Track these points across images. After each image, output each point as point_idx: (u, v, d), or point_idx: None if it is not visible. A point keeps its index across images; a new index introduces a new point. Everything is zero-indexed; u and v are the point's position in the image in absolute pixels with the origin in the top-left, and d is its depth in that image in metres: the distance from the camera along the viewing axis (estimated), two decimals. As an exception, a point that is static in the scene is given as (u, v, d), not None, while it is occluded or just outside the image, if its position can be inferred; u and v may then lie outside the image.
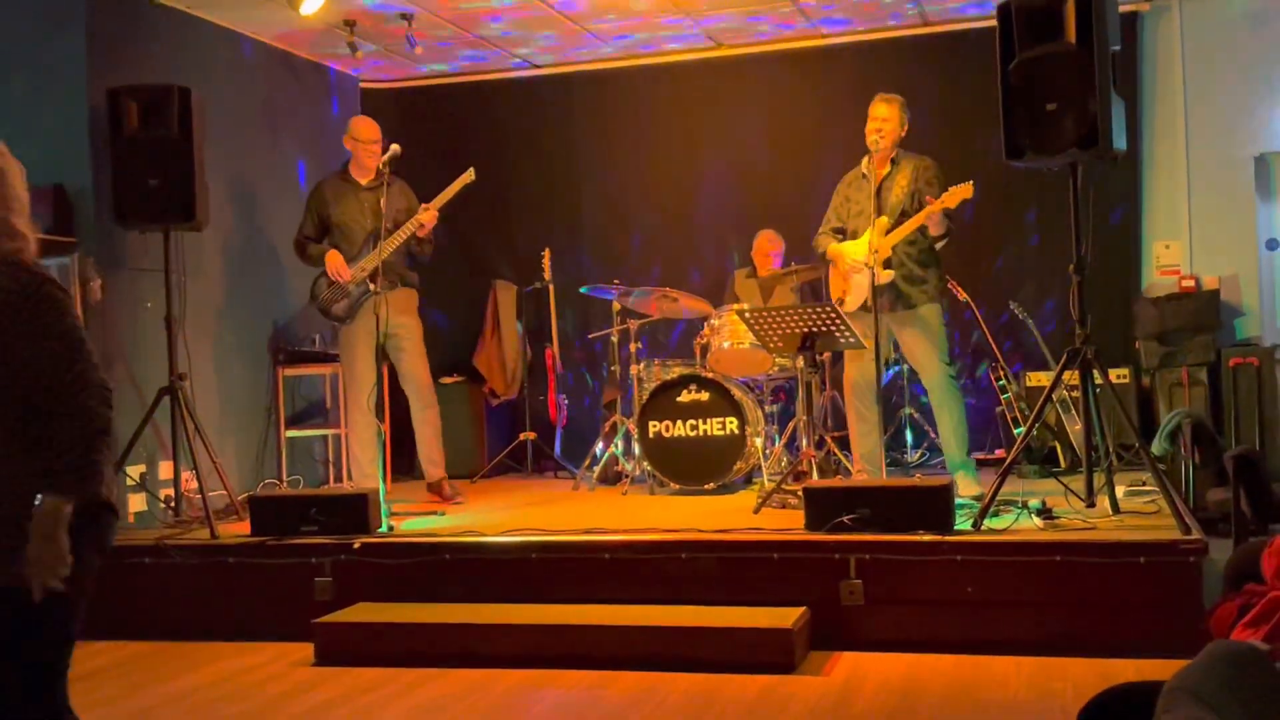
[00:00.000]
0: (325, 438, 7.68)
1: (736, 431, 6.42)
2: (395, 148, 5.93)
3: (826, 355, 6.71)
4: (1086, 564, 4.49)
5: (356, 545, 5.22)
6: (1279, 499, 4.64)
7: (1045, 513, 4.94)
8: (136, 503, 6.14)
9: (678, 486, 6.48)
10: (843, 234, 5.99)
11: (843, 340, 5.61)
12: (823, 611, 4.67)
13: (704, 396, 6.48)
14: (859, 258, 5.70)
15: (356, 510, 5.37)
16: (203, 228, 6.10)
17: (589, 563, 5.01)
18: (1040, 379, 7.12)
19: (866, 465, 5.87)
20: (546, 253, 7.72)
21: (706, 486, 6.43)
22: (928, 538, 4.67)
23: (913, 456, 7.27)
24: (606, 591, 4.94)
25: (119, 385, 6.08)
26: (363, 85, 8.52)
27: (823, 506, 4.87)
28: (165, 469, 6.23)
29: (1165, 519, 4.73)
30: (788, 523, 5.11)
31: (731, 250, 8.01)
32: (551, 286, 7.76)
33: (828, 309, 5.51)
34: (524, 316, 8.22)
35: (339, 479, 7.42)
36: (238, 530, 5.64)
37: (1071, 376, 5.19)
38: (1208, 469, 5.16)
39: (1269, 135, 7.28)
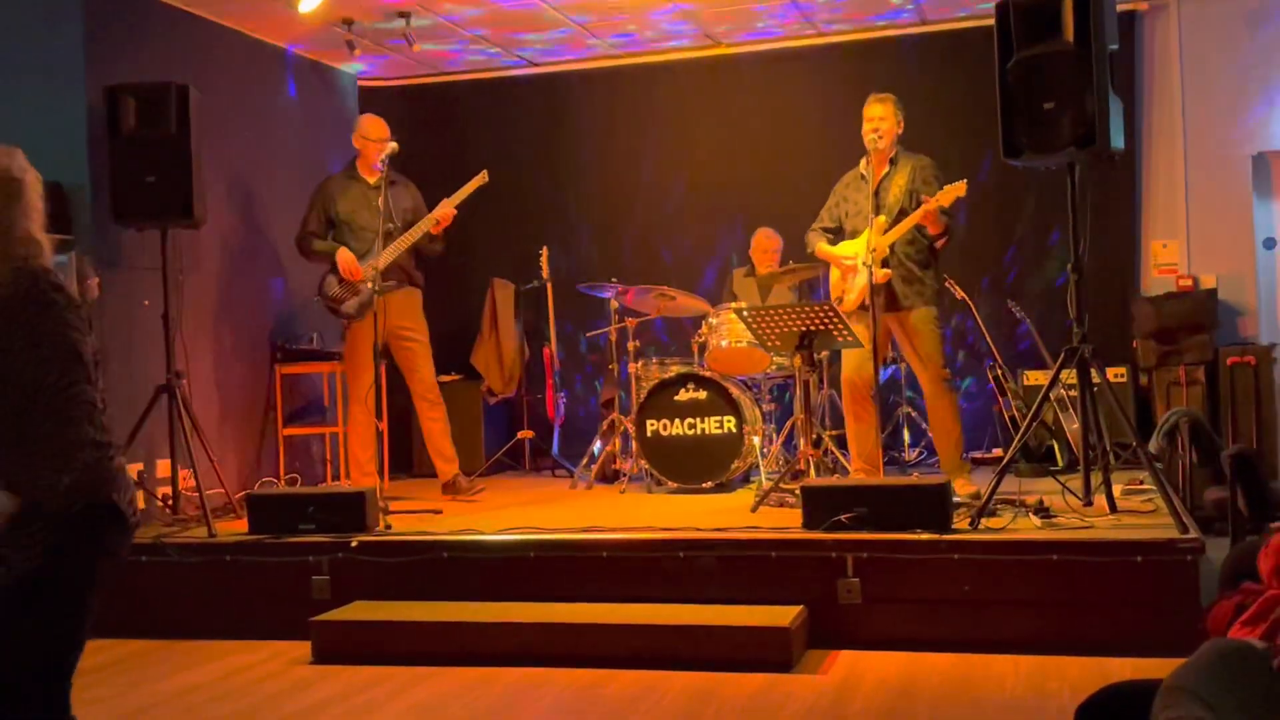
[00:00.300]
0: (323, 436, 7.67)
1: (734, 430, 6.42)
2: (393, 145, 5.94)
3: (824, 354, 6.71)
4: (1084, 563, 4.49)
5: (354, 544, 5.22)
6: (1276, 497, 4.64)
7: (1043, 511, 4.95)
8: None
9: (675, 485, 6.48)
10: (835, 233, 6.00)
11: (840, 339, 5.61)
12: (820, 610, 4.68)
13: (702, 395, 6.48)
14: (855, 255, 5.70)
15: (354, 509, 5.37)
16: (200, 226, 6.09)
17: (587, 561, 5.01)
18: (1038, 378, 7.12)
19: (864, 464, 5.88)
20: (544, 251, 7.72)
21: (704, 485, 6.43)
22: (925, 536, 4.67)
23: (910, 455, 7.27)
24: (604, 590, 4.94)
25: (117, 383, 6.09)
26: (360, 83, 8.52)
27: (820, 505, 4.87)
28: (163, 467, 6.22)
29: (1162, 518, 4.73)
30: (785, 521, 5.11)
31: (729, 249, 8.02)
32: (549, 285, 7.76)
33: (825, 308, 5.51)
34: (522, 315, 8.22)
35: (336, 477, 7.42)
36: (235, 528, 5.63)
37: (1069, 375, 5.19)
38: (1205, 468, 5.17)
39: (1266, 134, 7.29)
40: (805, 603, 4.66)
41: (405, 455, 7.89)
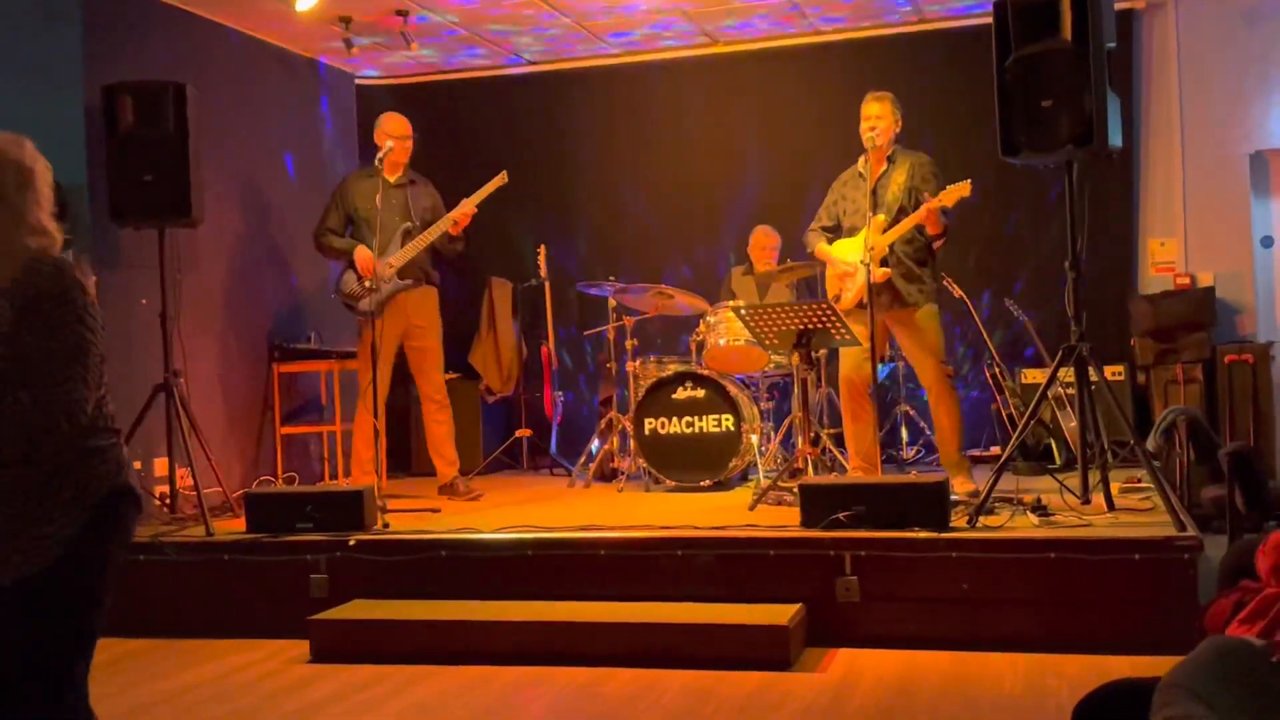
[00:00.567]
0: (321, 435, 7.67)
1: (732, 428, 6.42)
2: (390, 144, 5.93)
3: (822, 352, 6.71)
4: (1081, 561, 4.49)
5: (352, 542, 5.22)
6: (1274, 495, 4.64)
7: (1040, 510, 4.95)
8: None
9: (673, 483, 6.48)
10: (833, 232, 5.99)
11: (838, 337, 5.61)
12: (819, 608, 4.68)
13: (700, 393, 6.48)
14: (851, 259, 5.70)
15: (352, 507, 5.37)
16: (198, 224, 6.09)
17: (585, 560, 5.01)
18: (1036, 376, 7.13)
19: (862, 462, 5.88)
20: (542, 249, 7.72)
21: (702, 483, 6.43)
22: (923, 535, 4.67)
23: (908, 453, 7.28)
24: (602, 588, 4.94)
25: (114, 382, 6.06)
26: (358, 82, 8.51)
27: (818, 503, 4.87)
28: (160, 466, 6.22)
29: (1160, 516, 4.74)
30: (783, 519, 5.11)
31: (727, 247, 8.02)
32: (547, 283, 7.76)
33: (823, 306, 5.51)
34: (520, 313, 8.22)
35: (335, 476, 7.42)
36: (233, 527, 5.63)
37: (1067, 374, 5.20)
38: (1203, 466, 5.17)
39: (1264, 132, 7.30)
40: (803, 601, 4.66)
41: (404, 454, 7.89)
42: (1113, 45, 4.96)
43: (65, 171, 5.82)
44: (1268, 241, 7.43)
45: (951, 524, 4.78)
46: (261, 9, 6.86)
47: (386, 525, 5.46)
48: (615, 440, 7.01)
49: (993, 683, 4.17)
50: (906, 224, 5.63)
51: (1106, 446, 5.42)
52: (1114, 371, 7.01)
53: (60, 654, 2.63)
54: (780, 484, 5.75)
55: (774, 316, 5.64)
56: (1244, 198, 7.35)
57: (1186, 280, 7.30)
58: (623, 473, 6.82)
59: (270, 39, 7.49)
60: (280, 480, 7.18)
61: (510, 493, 6.82)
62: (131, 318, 6.25)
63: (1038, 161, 5.11)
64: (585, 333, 7.85)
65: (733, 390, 6.47)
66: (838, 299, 5.84)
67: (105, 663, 4.93)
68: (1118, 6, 6.05)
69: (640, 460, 6.59)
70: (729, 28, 7.77)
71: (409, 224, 6.39)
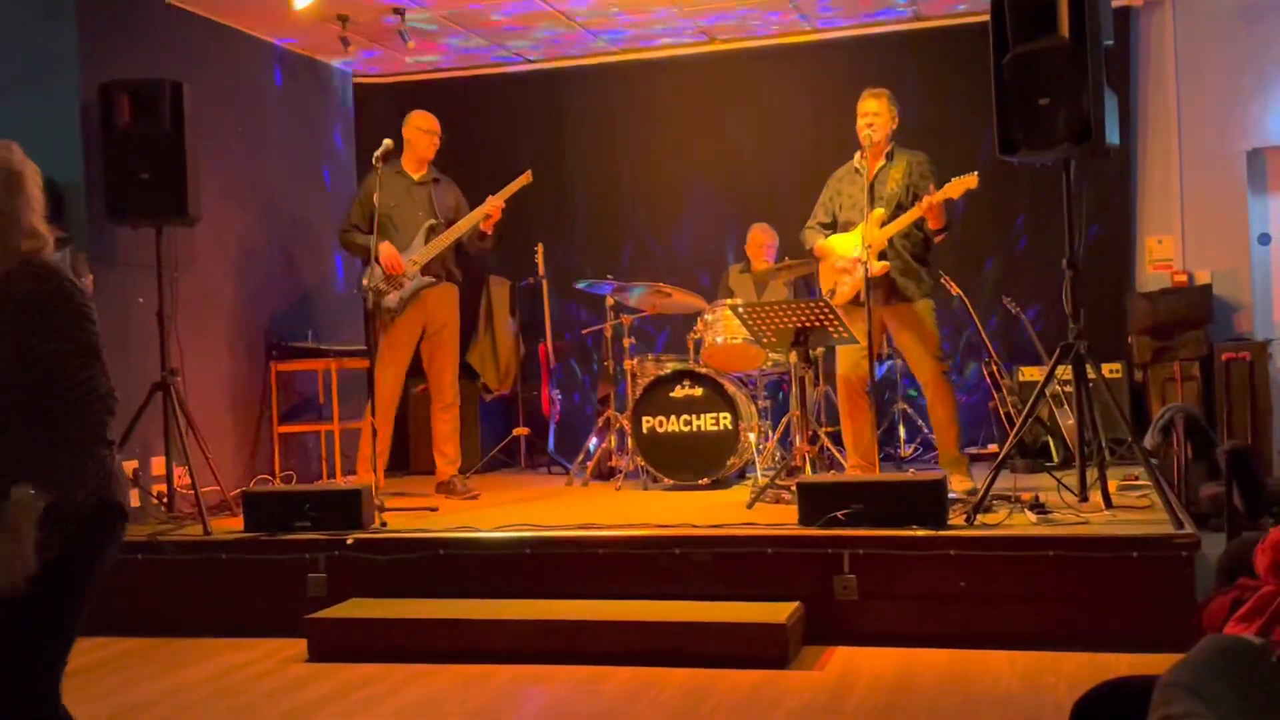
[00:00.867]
0: (318, 434, 7.66)
1: (730, 427, 6.42)
2: (387, 142, 5.93)
3: (820, 350, 6.71)
4: (1079, 558, 4.50)
5: (350, 541, 5.22)
6: (1271, 493, 4.64)
7: (1038, 508, 4.95)
8: (129, 499, 6.11)
9: (671, 482, 6.48)
10: (830, 228, 6.00)
11: (836, 335, 5.61)
12: (816, 606, 4.68)
13: (697, 392, 6.48)
14: (850, 253, 5.70)
15: (350, 506, 5.36)
16: (195, 223, 6.09)
17: (583, 558, 5.01)
18: (1033, 374, 7.13)
19: (860, 460, 5.88)
20: (540, 248, 7.72)
21: (700, 482, 6.43)
22: (921, 533, 4.67)
23: (906, 451, 7.28)
24: (600, 587, 4.94)
25: (111, 381, 6.07)
26: (355, 80, 8.51)
27: (816, 501, 4.87)
28: (158, 465, 6.22)
29: (1158, 513, 4.74)
30: (781, 518, 5.11)
31: (725, 245, 8.01)
32: (545, 281, 7.76)
33: (821, 304, 5.51)
34: (517, 312, 8.21)
35: (333, 475, 7.41)
36: (231, 526, 5.62)
37: (1064, 371, 5.20)
38: (1200, 463, 5.17)
39: (1261, 130, 7.30)
40: (801, 599, 4.66)
41: (402, 452, 7.88)
42: (1110, 43, 4.97)
43: (62, 170, 5.88)
44: (1265, 239, 7.43)
45: (949, 522, 4.78)
46: (259, 7, 6.85)
47: (384, 524, 5.46)
48: (613, 439, 7.01)
49: (990, 680, 4.17)
50: (907, 218, 5.63)
51: (1104, 444, 5.42)
52: (1111, 369, 7.01)
53: (36, 664, 2.62)
54: (778, 482, 5.75)
55: (772, 315, 5.64)
56: (1241, 195, 7.35)
57: (1184, 278, 7.30)
58: (621, 471, 6.82)
59: (267, 37, 7.49)
60: (278, 479, 7.17)
61: (508, 491, 6.82)
62: (128, 316, 6.24)
63: (1035, 159, 5.11)
64: (583, 331, 7.85)
65: (730, 388, 6.47)
66: (832, 294, 5.85)
67: (103, 661, 4.93)
68: (1115, 4, 6.04)
69: (638, 458, 6.58)
70: (727, 26, 7.77)
71: (433, 221, 6.40)
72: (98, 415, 2.62)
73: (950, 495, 5.01)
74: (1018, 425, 5.31)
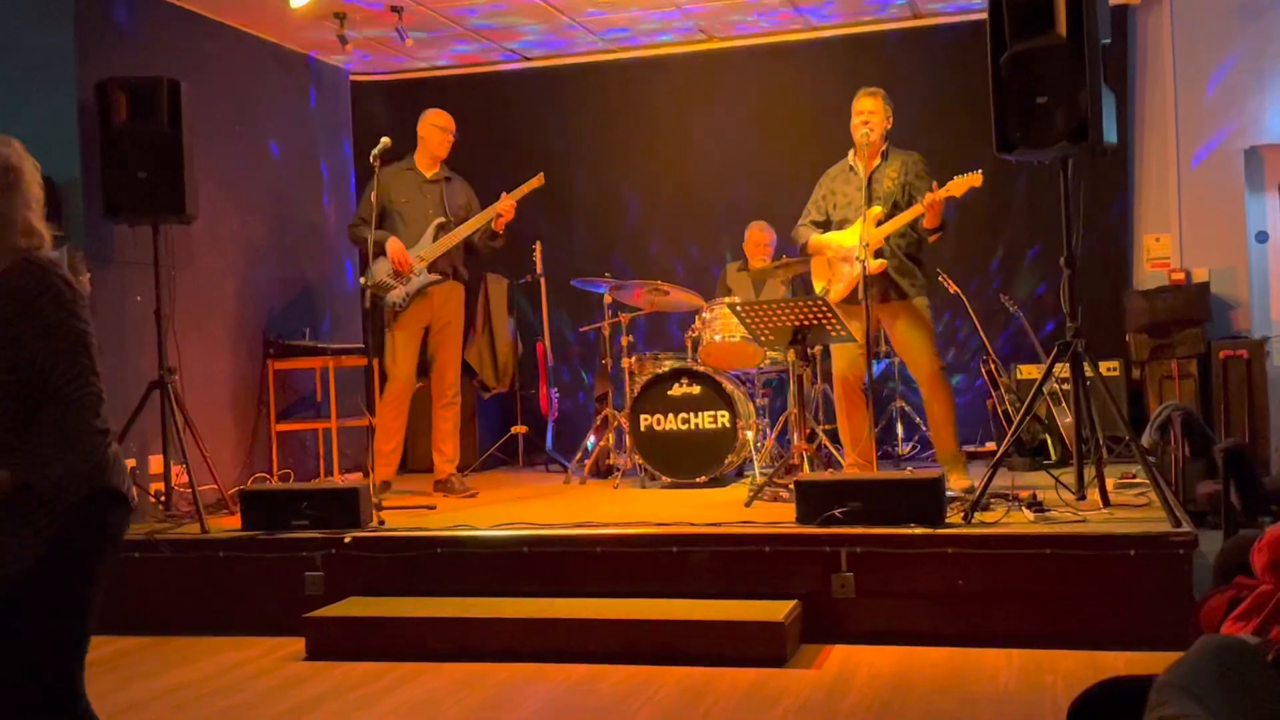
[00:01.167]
0: (316, 431, 7.66)
1: (728, 425, 6.42)
2: (385, 140, 5.92)
3: (817, 349, 6.71)
4: (1077, 557, 4.50)
5: (348, 539, 5.21)
6: (1269, 492, 4.65)
7: (1036, 506, 4.95)
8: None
9: (669, 480, 6.48)
10: (822, 226, 6.00)
11: (833, 334, 5.61)
12: (814, 605, 4.68)
13: (695, 390, 6.48)
14: (849, 245, 5.70)
15: (347, 504, 5.36)
16: (192, 221, 6.08)
17: (580, 557, 5.01)
18: (1031, 372, 7.13)
19: (858, 458, 5.88)
20: (538, 246, 7.71)
21: (698, 480, 6.43)
22: (919, 531, 4.67)
23: (904, 449, 7.28)
24: (598, 585, 4.94)
25: (109, 379, 6.06)
26: (353, 78, 8.50)
27: (814, 500, 4.87)
28: (155, 463, 6.21)
29: (1155, 512, 4.74)
30: (779, 516, 5.11)
31: (723, 243, 8.01)
32: (543, 280, 7.75)
33: (819, 302, 5.51)
34: (515, 310, 8.21)
35: (330, 473, 7.41)
36: (228, 524, 5.62)
37: (1062, 369, 5.20)
38: (1198, 462, 5.18)
39: (1259, 128, 7.30)
40: (799, 597, 4.67)
41: (403, 452, 7.86)
42: (1107, 41, 4.97)
43: (59, 167, 5.87)
44: (1262, 237, 7.43)
45: (947, 520, 4.78)
46: (256, 5, 6.84)
47: (382, 522, 5.45)
48: (611, 437, 7.01)
49: (988, 678, 4.17)
50: (907, 216, 5.63)
51: (1102, 442, 5.42)
52: (1109, 367, 7.01)
53: (51, 655, 2.63)
54: (776, 480, 5.75)
55: (769, 313, 5.64)
56: (1238, 193, 7.35)
57: (1181, 276, 7.30)
58: (618, 469, 6.82)
59: (265, 35, 7.48)
60: (275, 477, 7.17)
61: (506, 489, 6.82)
62: (126, 314, 6.24)
63: (1033, 158, 5.12)
64: (581, 329, 7.85)
65: (728, 386, 6.47)
66: (826, 292, 5.85)
67: (101, 660, 4.92)
68: (1112, 2, 6.05)
69: (636, 457, 6.58)
70: (725, 24, 7.76)
71: (442, 219, 6.40)
72: (87, 410, 2.62)
73: (948, 493, 5.01)
74: (1015, 423, 5.31)
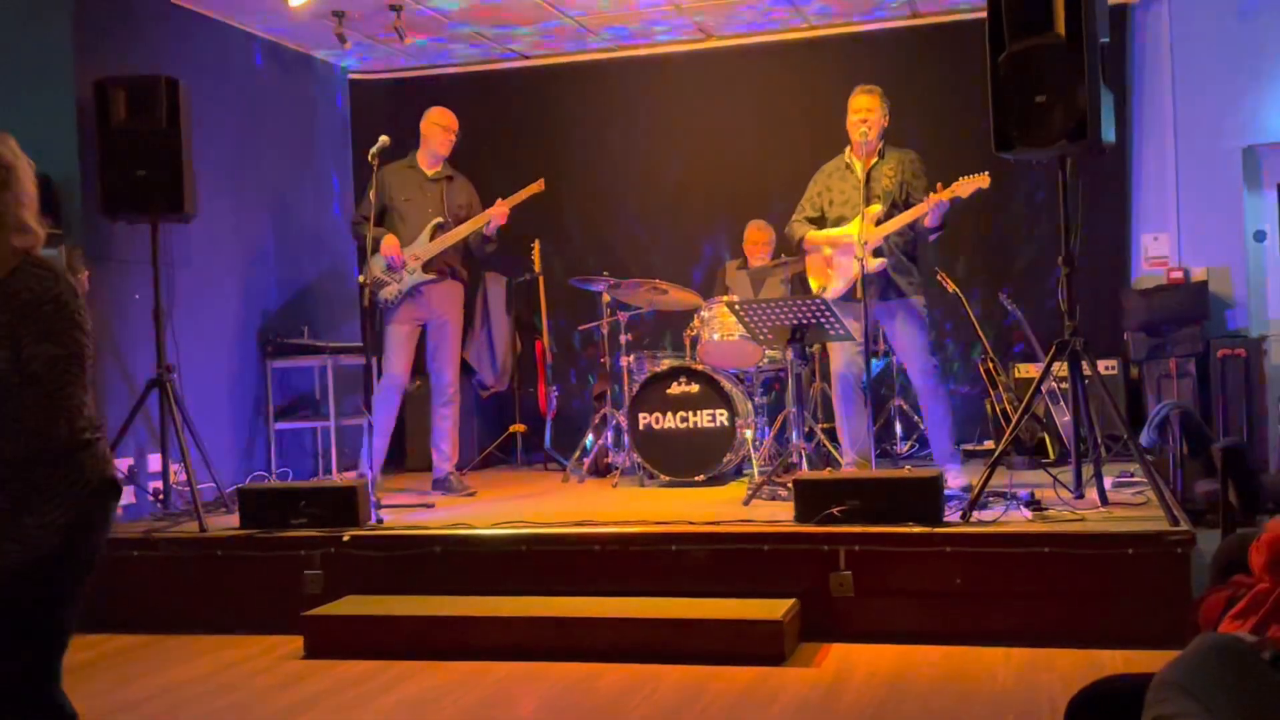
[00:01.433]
0: (315, 430, 7.66)
1: (726, 423, 6.42)
2: (384, 139, 5.91)
3: (816, 347, 6.72)
4: (1075, 555, 4.50)
5: (346, 538, 5.21)
6: (1266, 490, 4.65)
7: (1034, 504, 4.96)
8: (125, 495, 6.11)
9: (668, 478, 6.48)
10: (817, 223, 6.00)
11: (832, 332, 5.61)
12: (812, 603, 4.68)
13: (694, 388, 6.48)
14: (847, 242, 5.70)
15: (346, 503, 5.36)
16: (191, 219, 6.08)
17: (579, 555, 5.01)
18: (1029, 370, 7.14)
19: (856, 457, 5.88)
20: (536, 244, 7.71)
21: (696, 478, 6.43)
22: (917, 529, 4.67)
23: (902, 448, 7.28)
24: (596, 584, 4.94)
25: (108, 377, 6.08)
26: (351, 76, 8.50)
27: (812, 498, 4.87)
28: (154, 461, 6.21)
29: (1153, 510, 4.74)
30: (778, 514, 5.12)
31: (722, 242, 8.01)
32: (541, 278, 7.75)
33: (817, 301, 5.51)
34: (514, 308, 8.21)
35: (328, 471, 7.41)
36: (226, 523, 5.62)
37: (1060, 368, 5.21)
38: (1196, 460, 5.18)
39: (1257, 127, 7.30)
40: (797, 596, 4.67)
41: (399, 449, 7.87)
42: (1106, 40, 4.97)
43: (58, 165, 5.87)
44: (1260, 235, 7.44)
45: (945, 519, 4.78)
46: (255, 2, 6.84)
47: (381, 521, 5.45)
48: (610, 435, 7.01)
49: (986, 677, 4.18)
50: (909, 215, 5.64)
51: (1100, 441, 5.43)
52: (1107, 366, 7.02)
53: (41, 644, 2.63)
54: (774, 479, 5.75)
55: (768, 311, 5.64)
56: (1236, 192, 7.35)
57: (1179, 274, 7.31)
58: (617, 468, 6.82)
59: (263, 33, 7.47)
60: (274, 476, 7.17)
61: (504, 488, 6.82)
62: (124, 313, 6.24)
63: (1031, 156, 5.12)
64: (580, 328, 7.85)
65: (727, 385, 6.47)
66: (824, 290, 5.85)
67: (99, 658, 4.93)
68: (1111, 1, 6.05)
69: (635, 455, 6.59)
70: (723, 22, 7.76)
71: (440, 219, 6.40)
72: (59, 419, 2.62)
73: (946, 492, 5.02)
74: (1013, 422, 5.31)
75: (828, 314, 5.48)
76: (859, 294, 5.55)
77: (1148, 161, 7.51)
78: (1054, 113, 4.86)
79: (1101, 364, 6.81)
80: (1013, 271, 7.60)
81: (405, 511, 5.85)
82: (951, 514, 4.84)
